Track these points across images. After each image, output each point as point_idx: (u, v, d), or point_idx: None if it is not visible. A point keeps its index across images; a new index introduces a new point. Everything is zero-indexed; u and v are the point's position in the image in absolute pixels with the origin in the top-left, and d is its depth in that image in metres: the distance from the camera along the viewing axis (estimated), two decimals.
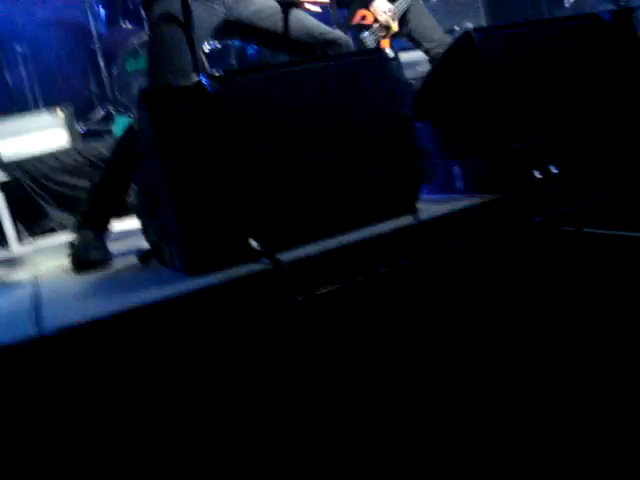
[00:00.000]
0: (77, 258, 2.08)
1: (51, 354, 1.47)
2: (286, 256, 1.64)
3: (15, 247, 3.04)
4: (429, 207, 1.94)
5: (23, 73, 4.56)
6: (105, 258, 2.10)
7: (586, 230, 2.01)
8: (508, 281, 1.86)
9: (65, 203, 3.20)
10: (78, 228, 2.15)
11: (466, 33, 2.01)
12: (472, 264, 1.82)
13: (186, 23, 1.97)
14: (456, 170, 2.18)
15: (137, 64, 4.50)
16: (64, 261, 2.21)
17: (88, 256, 2.06)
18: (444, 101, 2.16)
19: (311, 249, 1.69)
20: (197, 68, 1.97)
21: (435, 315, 1.73)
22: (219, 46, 4.60)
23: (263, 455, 1.53)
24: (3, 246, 3.05)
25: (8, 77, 4.49)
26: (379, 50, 2.27)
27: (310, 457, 1.56)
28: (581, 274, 1.95)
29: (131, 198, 3.05)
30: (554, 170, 2.01)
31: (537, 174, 1.99)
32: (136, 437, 1.49)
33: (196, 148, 1.67)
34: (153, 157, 1.72)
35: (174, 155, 1.65)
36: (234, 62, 4.66)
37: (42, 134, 3.54)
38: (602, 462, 1.50)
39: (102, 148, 3.21)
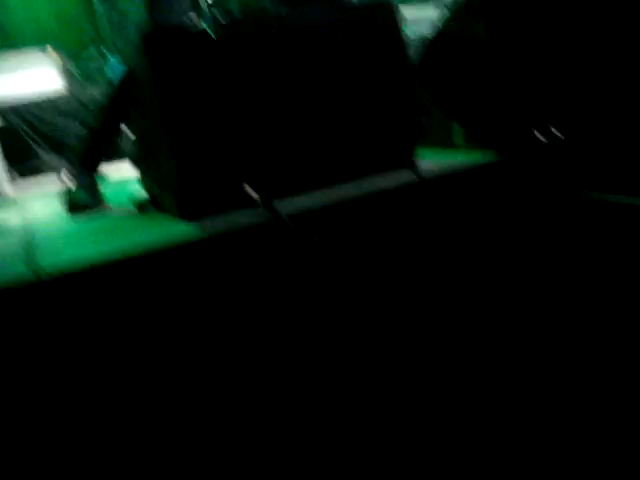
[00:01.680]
0: (71, 201, 2.06)
1: (45, 297, 1.47)
2: (283, 205, 1.62)
3: (6, 188, 3.01)
4: (428, 162, 1.93)
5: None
6: (98, 202, 2.08)
7: (588, 194, 2.00)
8: (505, 240, 1.87)
9: (55, 145, 3.15)
10: (72, 172, 2.12)
11: None
12: (469, 220, 1.82)
13: None
14: (456, 126, 2.16)
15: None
16: (57, 204, 2.19)
17: (81, 199, 2.04)
18: (449, 57, 2.12)
19: (308, 198, 1.67)
20: (198, 10, 1.92)
21: (431, 273, 1.74)
22: None
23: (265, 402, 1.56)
24: None
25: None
26: (385, 2, 2.22)
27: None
28: (580, 239, 1.95)
29: (124, 144, 3.03)
30: (556, 132, 2.00)
31: (538, 134, 1.98)
32: (130, 380, 1.50)
33: (195, 94, 1.64)
34: (151, 102, 1.68)
35: (173, 100, 1.62)
36: (234, 7, 4.53)
37: (33, 73, 3.46)
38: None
39: (96, 92, 3.15)
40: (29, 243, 1.80)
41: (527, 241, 1.93)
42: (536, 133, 1.95)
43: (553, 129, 1.97)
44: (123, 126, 2.19)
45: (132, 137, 2.15)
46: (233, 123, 1.68)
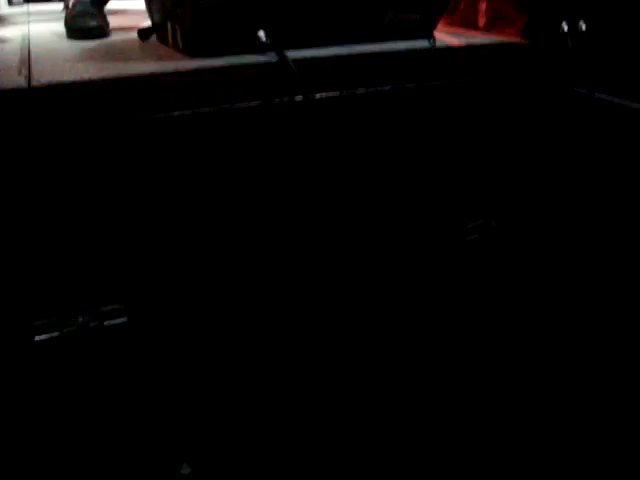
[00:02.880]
0: (73, 23, 1.97)
1: (39, 108, 1.43)
2: (292, 54, 1.57)
3: (5, 8, 2.88)
4: (446, 37, 1.86)
5: None
6: (103, 26, 1.99)
7: (599, 96, 1.96)
8: (509, 127, 1.84)
9: None
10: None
11: None
12: (477, 101, 1.78)
13: None
14: (482, 6, 2.06)
15: None
16: (57, 25, 2.10)
17: (85, 22, 1.95)
18: None
19: (319, 52, 1.62)
20: None
21: (427, 142, 1.72)
22: None
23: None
24: None
25: None
26: None
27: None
28: (585, 139, 1.93)
29: None
30: (583, 26, 1.92)
31: (565, 26, 1.90)
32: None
33: None
34: None
35: None
36: None
37: None
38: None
39: None
40: (24, 55, 1.75)
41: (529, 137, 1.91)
42: (564, 23, 1.88)
43: (582, 22, 1.89)
44: None
45: None
46: None
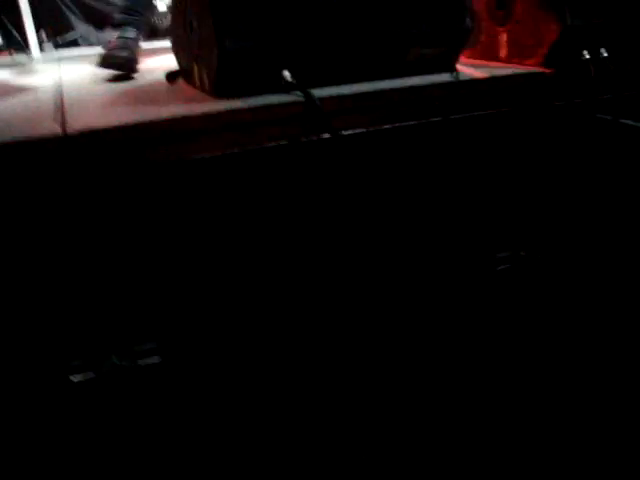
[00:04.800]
0: (106, 55, 2.06)
1: (74, 154, 1.48)
2: (317, 92, 1.60)
3: (37, 54, 2.97)
4: (469, 69, 1.88)
5: None
6: (132, 60, 2.07)
7: (623, 121, 1.96)
8: (535, 156, 1.84)
9: (91, 16, 3.08)
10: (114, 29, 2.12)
11: None
12: (503, 132, 1.78)
13: None
14: (502, 38, 2.08)
15: None
16: (87, 70, 2.16)
17: (116, 54, 2.03)
18: None
19: (344, 89, 1.64)
20: None
21: (454, 174, 1.73)
22: None
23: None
24: (25, 52, 2.97)
25: None
26: None
27: None
28: (609, 163, 1.93)
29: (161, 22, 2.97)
30: (604, 53, 1.93)
31: (586, 54, 1.91)
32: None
33: None
34: None
35: None
36: None
37: None
38: None
39: None
40: (58, 101, 1.80)
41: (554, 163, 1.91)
42: (585, 51, 1.89)
43: (603, 50, 1.90)
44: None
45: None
46: (277, 5, 1.63)
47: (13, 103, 1.92)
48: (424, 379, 1.80)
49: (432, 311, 1.82)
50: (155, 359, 1.57)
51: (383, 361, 1.77)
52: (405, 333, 1.79)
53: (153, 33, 3.06)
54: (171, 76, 1.94)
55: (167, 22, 2.99)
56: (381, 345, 1.77)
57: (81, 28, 3.09)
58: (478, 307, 1.89)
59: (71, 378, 1.54)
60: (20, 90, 2.08)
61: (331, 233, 1.66)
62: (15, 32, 2.87)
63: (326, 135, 1.55)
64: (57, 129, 1.52)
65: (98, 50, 2.32)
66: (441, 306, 1.83)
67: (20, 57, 2.88)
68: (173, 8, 2.04)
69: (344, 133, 1.57)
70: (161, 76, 2.00)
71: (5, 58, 2.88)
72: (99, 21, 3.07)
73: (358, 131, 1.59)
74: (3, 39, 2.92)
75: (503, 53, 2.07)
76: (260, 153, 1.53)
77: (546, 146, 1.90)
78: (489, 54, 2.12)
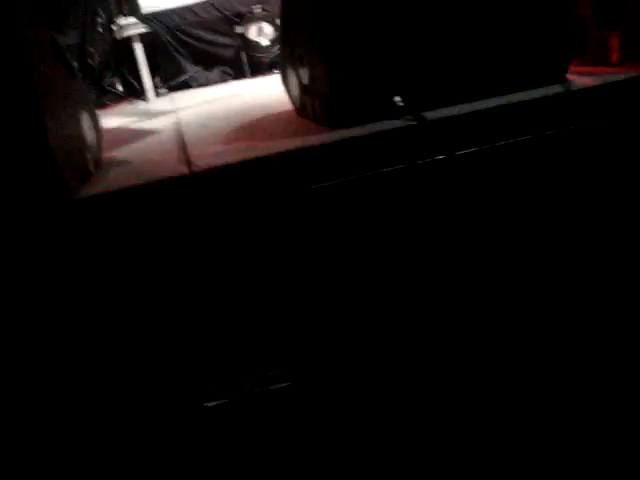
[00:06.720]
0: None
1: (200, 190, 1.57)
2: (429, 115, 1.61)
3: (152, 99, 3.16)
4: (580, 78, 1.83)
5: None
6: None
7: None
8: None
9: (201, 58, 3.25)
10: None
11: None
12: (619, 140, 1.72)
13: None
14: (614, 41, 2.01)
15: None
16: (202, 109, 2.29)
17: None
18: None
19: (455, 110, 1.65)
20: None
21: (578, 188, 1.68)
22: None
23: None
24: (141, 98, 3.17)
25: None
26: None
27: None
28: None
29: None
30: None
31: None
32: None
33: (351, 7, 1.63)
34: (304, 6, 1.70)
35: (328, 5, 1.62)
36: None
37: None
38: None
39: (237, 3, 3.19)
40: (180, 142, 1.92)
41: None
42: None
43: None
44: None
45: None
46: (384, 33, 1.66)
47: (139, 147, 2.07)
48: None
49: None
50: (284, 384, 1.62)
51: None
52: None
53: (257, 69, 3.19)
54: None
55: (271, 56, 3.11)
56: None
57: (191, 70, 3.27)
58: None
59: (205, 404, 1.62)
60: (143, 134, 2.23)
61: (457, 251, 1.65)
62: (133, 80, 3.08)
63: (441, 157, 1.56)
64: (183, 169, 1.63)
65: (208, 89, 2.45)
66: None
67: (138, 103, 3.09)
68: (281, 44, 2.13)
69: (458, 153, 1.57)
70: (271, 109, 2.09)
71: (125, 106, 3.10)
72: (207, 62, 3.24)
73: (472, 150, 1.59)
74: (123, 88, 3.15)
75: (615, 57, 2.00)
76: (377, 178, 1.55)
77: None
78: (599, 59, 2.05)
